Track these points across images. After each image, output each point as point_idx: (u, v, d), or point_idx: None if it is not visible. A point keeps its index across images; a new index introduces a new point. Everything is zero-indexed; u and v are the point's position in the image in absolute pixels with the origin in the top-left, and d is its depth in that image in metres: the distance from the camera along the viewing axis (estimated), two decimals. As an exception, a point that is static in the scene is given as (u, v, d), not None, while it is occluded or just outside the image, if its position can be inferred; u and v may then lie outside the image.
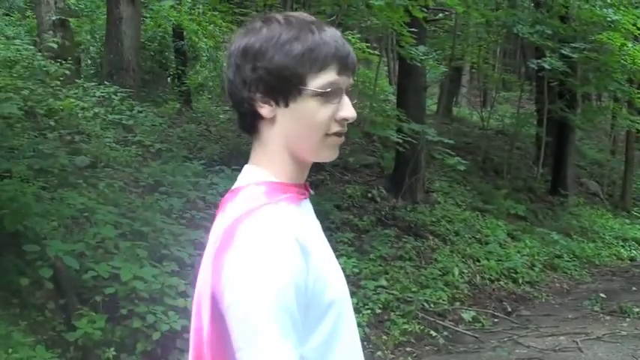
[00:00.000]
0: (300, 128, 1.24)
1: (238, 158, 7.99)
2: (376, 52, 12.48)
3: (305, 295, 1.14)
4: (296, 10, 10.59)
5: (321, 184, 8.93)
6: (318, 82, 1.22)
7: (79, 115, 7.56)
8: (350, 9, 9.57)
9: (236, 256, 1.12)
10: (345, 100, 1.25)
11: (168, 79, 11.75)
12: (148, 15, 11.02)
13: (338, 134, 1.26)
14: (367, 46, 10.79)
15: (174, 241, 5.07)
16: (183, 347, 4.08)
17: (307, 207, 1.31)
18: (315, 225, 1.31)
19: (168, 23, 11.34)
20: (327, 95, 1.22)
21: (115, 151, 6.97)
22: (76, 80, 8.61)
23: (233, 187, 1.28)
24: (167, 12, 10.28)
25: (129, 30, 8.55)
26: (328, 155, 1.28)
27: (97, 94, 8.18)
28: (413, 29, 7.98)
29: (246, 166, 1.30)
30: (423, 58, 8.61)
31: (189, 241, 5.13)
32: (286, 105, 1.23)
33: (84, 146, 6.71)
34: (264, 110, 1.24)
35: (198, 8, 12.21)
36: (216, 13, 11.37)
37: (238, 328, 1.10)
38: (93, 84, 8.57)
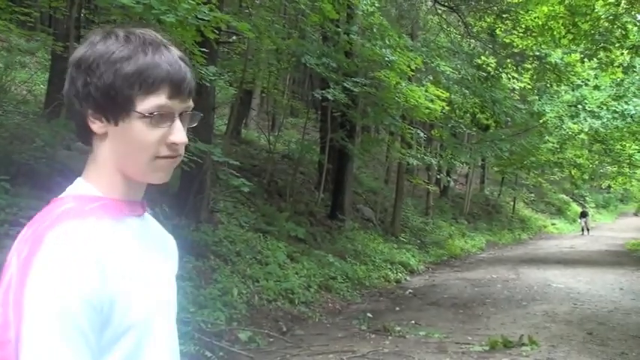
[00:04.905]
0: (129, 148, 1.24)
1: (8, 167, 7.39)
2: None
3: (100, 315, 1.13)
4: (85, 15, 10.14)
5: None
6: (146, 104, 1.21)
7: None
8: (141, 22, 9.36)
9: (40, 267, 1.10)
10: (177, 124, 1.25)
11: None
12: None
13: (170, 157, 1.26)
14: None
15: None
16: None
17: (137, 224, 1.30)
18: (143, 243, 1.29)
19: None
20: (154, 119, 1.22)
21: None
22: None
23: (56, 198, 1.23)
24: None
25: None
26: (158, 177, 1.28)
27: None
28: (204, 49, 8.00)
29: (78, 179, 1.27)
30: (212, 78, 8.64)
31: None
32: (116, 124, 1.22)
33: None
34: (95, 126, 1.23)
35: (-28, 1, 11.14)
36: (-8, 9, 10.46)
37: (26, 339, 1.06)
38: None
